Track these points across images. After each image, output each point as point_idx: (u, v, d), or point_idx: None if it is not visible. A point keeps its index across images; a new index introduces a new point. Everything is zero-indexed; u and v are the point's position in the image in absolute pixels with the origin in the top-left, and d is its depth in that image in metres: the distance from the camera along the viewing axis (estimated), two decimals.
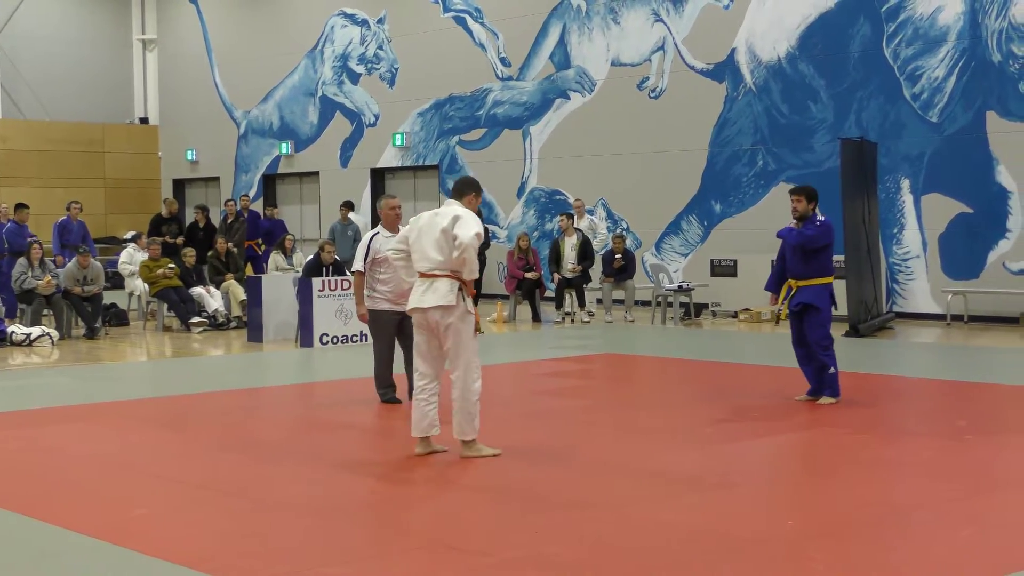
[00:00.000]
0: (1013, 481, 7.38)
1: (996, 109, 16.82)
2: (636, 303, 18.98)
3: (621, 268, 18.22)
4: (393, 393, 10.17)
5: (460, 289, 7.87)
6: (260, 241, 21.07)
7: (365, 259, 9.87)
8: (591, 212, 20.31)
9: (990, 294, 16.86)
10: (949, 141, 17.24)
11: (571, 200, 20.70)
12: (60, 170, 28.97)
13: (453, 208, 8.00)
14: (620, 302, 18.59)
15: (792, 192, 10.23)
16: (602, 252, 18.88)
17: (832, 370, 9.96)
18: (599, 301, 19.03)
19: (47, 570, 5.66)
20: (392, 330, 9.96)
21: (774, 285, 10.30)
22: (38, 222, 20.27)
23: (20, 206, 18.45)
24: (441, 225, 7.88)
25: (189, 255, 17.66)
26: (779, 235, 10.24)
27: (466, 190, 8.16)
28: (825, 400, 9.99)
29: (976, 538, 6.03)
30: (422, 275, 7.99)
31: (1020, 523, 6.32)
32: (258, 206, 27.33)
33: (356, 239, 21.99)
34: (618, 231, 20.05)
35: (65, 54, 30.01)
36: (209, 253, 18.24)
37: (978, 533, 6.12)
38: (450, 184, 23.16)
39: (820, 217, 10.06)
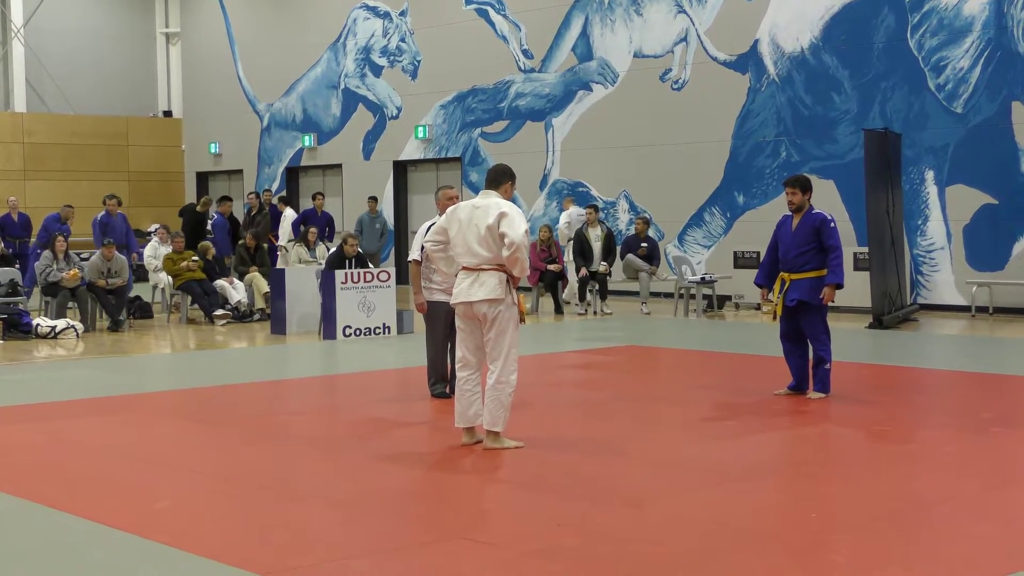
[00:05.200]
0: None
1: (1021, 100, 16.70)
2: (659, 295, 18.94)
3: (646, 256, 18.23)
4: (444, 387, 9.96)
5: (507, 281, 7.85)
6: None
7: (422, 249, 9.42)
8: (611, 205, 20.29)
9: (1015, 286, 16.75)
10: (974, 132, 17.13)
11: (569, 193, 20.82)
12: (84, 163, 29.14)
13: (493, 200, 7.91)
14: (636, 294, 18.53)
15: (786, 184, 9.96)
16: (625, 238, 18.95)
17: (827, 365, 9.82)
18: (611, 292, 19.01)
19: (71, 561, 5.70)
20: (447, 321, 9.57)
21: (765, 278, 10.10)
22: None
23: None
24: (486, 222, 7.78)
25: (209, 249, 17.72)
26: (779, 225, 10.05)
27: (502, 179, 8.06)
28: (815, 395, 9.84)
29: (999, 532, 6.00)
30: (466, 268, 7.95)
31: None
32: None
33: (384, 231, 22.10)
34: (642, 215, 20.01)
35: (89, 48, 30.17)
36: (240, 242, 18.34)
37: (1001, 527, 6.09)
38: (472, 176, 23.20)
39: (827, 215, 9.90)
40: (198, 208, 20.31)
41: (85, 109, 29.68)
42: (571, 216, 19.94)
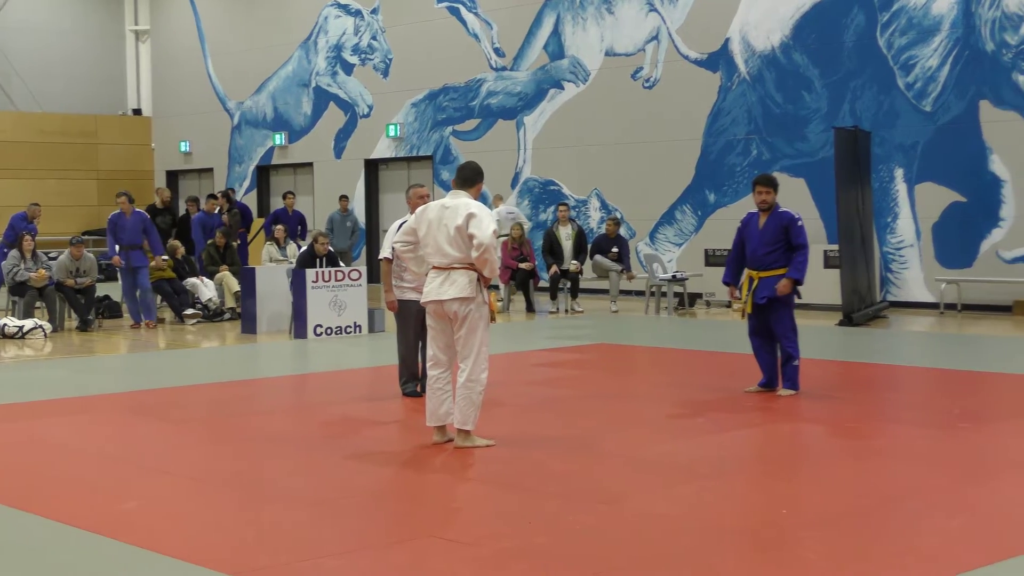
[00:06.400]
0: (1006, 469, 7.39)
1: (989, 98, 16.81)
2: (630, 293, 18.95)
3: (617, 258, 18.24)
4: (415, 386, 9.95)
5: (478, 280, 7.84)
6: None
7: (393, 248, 9.31)
8: (583, 203, 20.29)
9: (983, 283, 16.87)
10: (943, 130, 17.23)
11: (491, 195, 20.74)
12: (53, 162, 28.90)
13: (463, 200, 7.89)
14: (607, 292, 18.55)
15: (762, 183, 9.98)
16: (595, 237, 18.98)
17: (796, 362, 9.86)
18: (581, 290, 19.01)
19: (37, 563, 5.65)
20: (419, 320, 9.45)
21: (732, 276, 10.16)
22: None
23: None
24: (455, 222, 7.77)
25: (178, 248, 17.59)
26: (745, 224, 10.09)
27: (476, 179, 8.05)
28: (785, 392, 9.88)
29: (968, 526, 6.04)
30: (436, 268, 7.93)
31: (1012, 511, 6.33)
32: (252, 198, 27.37)
33: (355, 230, 22.03)
34: (613, 215, 20.05)
35: (58, 45, 29.93)
36: (208, 242, 18.23)
37: (970, 521, 6.13)
38: (444, 175, 23.15)
39: (795, 214, 9.96)
40: (158, 204, 20.07)
41: (53, 107, 29.45)
42: (500, 214, 19.86)
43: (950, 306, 17.02)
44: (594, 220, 21.04)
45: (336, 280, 14.91)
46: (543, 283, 18.98)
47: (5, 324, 15.14)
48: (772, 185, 9.98)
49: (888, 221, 17.78)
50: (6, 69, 29.05)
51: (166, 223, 19.41)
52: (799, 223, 9.87)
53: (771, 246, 9.83)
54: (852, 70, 18.10)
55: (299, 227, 20.92)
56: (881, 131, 17.71)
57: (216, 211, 19.79)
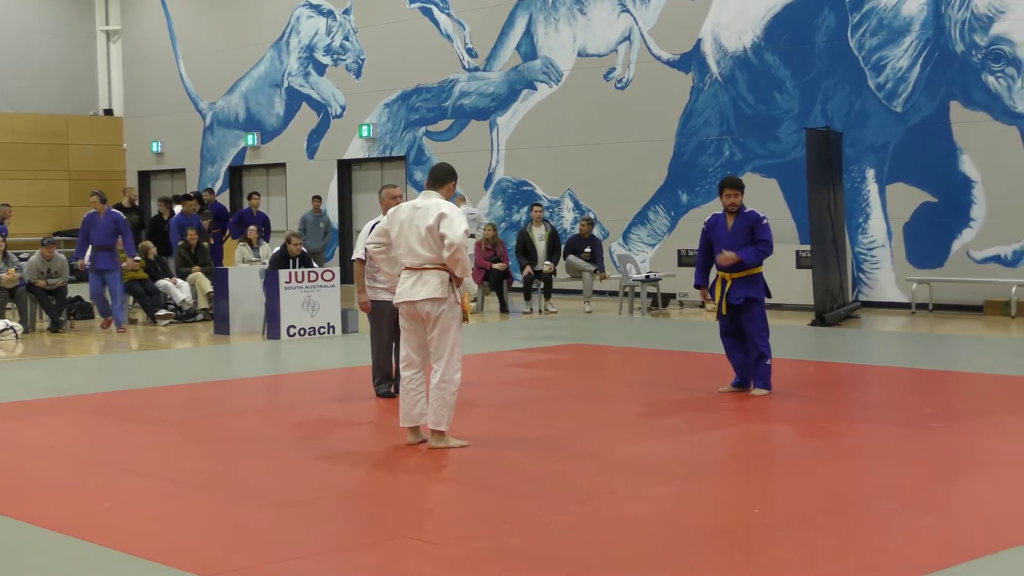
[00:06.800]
0: (977, 468, 7.44)
1: (960, 99, 16.92)
2: (604, 293, 18.96)
3: (590, 258, 18.27)
4: (389, 387, 9.95)
5: (450, 280, 7.85)
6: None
7: (366, 248, 9.26)
8: (556, 203, 20.31)
9: (954, 283, 16.99)
10: (913, 131, 17.34)
11: (459, 194, 20.66)
12: (23, 162, 28.69)
13: (434, 201, 7.90)
14: (580, 292, 18.58)
15: (731, 186, 10.02)
16: (568, 238, 19.01)
17: (768, 361, 9.93)
18: (555, 291, 19.01)
19: (8, 565, 5.61)
20: (392, 320, 9.42)
21: (703, 278, 10.22)
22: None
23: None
24: (426, 223, 7.78)
25: (150, 249, 17.47)
26: (711, 226, 10.14)
27: (447, 179, 8.06)
28: (757, 392, 9.93)
29: (940, 525, 6.08)
30: (409, 268, 7.93)
31: (983, 510, 6.37)
32: (224, 198, 27.25)
33: (328, 230, 21.97)
34: (587, 215, 20.09)
35: (28, 45, 29.72)
36: (180, 243, 18.14)
37: (942, 520, 6.17)
38: (417, 175, 23.14)
39: (760, 213, 10.05)
40: (125, 204, 19.93)
41: (24, 107, 29.24)
42: (477, 217, 19.82)
43: (921, 306, 17.12)
44: (567, 220, 21.07)
45: (309, 281, 14.88)
46: (516, 284, 19.00)
47: None
48: (740, 187, 10.08)
49: (860, 221, 17.88)
50: None
51: (134, 222, 19.29)
52: (764, 221, 9.99)
53: (741, 247, 9.90)
54: (823, 71, 18.19)
55: (263, 228, 20.82)
56: (852, 132, 17.81)
57: (194, 212, 19.73)
